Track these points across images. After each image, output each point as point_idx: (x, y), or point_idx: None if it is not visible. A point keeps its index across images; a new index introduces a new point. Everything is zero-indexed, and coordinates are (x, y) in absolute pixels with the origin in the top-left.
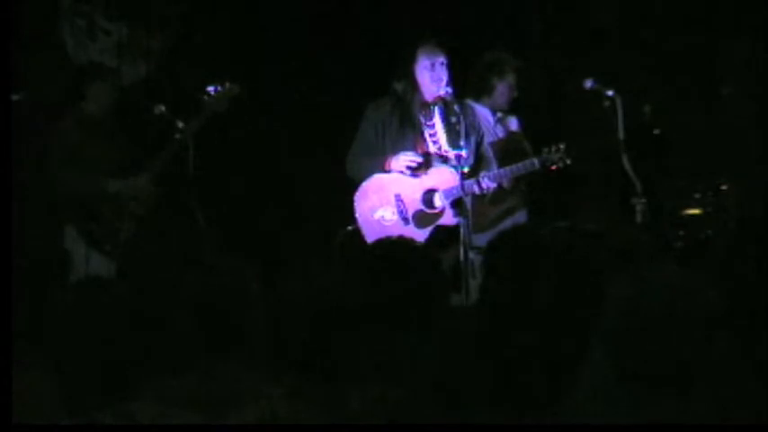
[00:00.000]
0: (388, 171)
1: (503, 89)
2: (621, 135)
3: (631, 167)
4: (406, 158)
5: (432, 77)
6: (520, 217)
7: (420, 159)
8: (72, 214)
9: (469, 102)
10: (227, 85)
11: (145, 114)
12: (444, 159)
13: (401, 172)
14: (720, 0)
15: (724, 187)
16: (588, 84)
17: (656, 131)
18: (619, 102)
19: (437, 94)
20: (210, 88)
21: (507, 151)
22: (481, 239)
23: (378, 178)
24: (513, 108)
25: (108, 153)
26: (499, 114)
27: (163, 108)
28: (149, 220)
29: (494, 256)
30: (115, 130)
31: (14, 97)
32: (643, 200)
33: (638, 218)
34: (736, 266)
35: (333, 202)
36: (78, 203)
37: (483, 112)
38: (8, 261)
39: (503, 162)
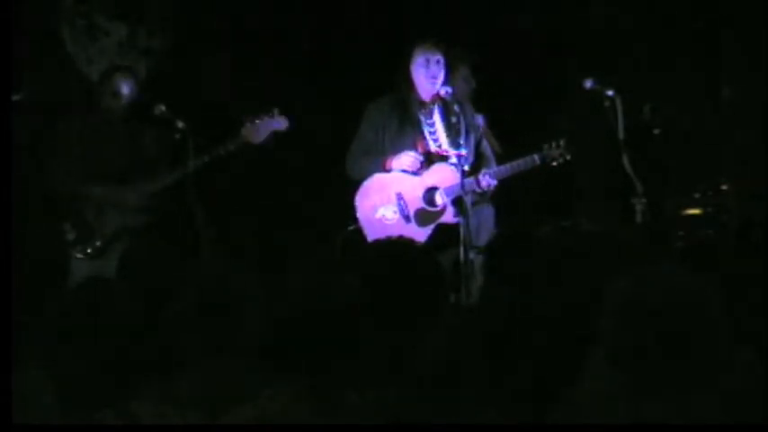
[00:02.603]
0: (389, 170)
1: (456, 85)
2: (621, 135)
3: (631, 167)
4: (407, 159)
5: (426, 74)
6: (484, 216)
7: (421, 159)
8: (50, 212)
9: None
10: (275, 115)
11: (145, 114)
12: (444, 158)
13: (402, 171)
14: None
15: (724, 187)
16: (588, 84)
17: (656, 131)
18: (619, 102)
19: (433, 93)
20: (260, 121)
21: None
22: None
23: (379, 177)
24: (483, 106)
25: (105, 155)
26: None
27: (163, 108)
28: (149, 221)
29: (494, 257)
30: (115, 132)
31: (14, 97)
32: (643, 200)
33: (638, 218)
34: (737, 266)
35: (334, 201)
36: (61, 202)
37: None
38: (8, 261)
39: None
